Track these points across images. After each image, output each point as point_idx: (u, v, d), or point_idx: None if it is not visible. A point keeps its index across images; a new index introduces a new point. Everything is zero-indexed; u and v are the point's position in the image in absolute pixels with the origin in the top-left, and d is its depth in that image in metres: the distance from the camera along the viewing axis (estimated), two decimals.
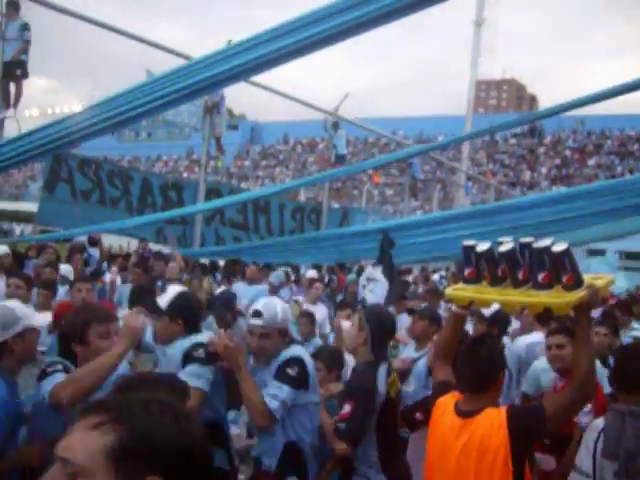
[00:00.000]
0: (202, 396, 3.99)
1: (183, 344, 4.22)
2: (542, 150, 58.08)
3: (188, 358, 4.11)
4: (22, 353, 3.52)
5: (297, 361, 4.02)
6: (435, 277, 17.61)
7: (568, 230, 8.97)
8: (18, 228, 29.45)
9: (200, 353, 4.08)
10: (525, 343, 6.66)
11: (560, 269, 3.21)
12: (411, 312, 7.06)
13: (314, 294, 8.89)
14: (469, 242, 3.51)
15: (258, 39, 5.07)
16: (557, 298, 3.25)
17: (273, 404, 3.82)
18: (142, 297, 6.58)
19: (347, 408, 3.93)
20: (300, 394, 4.00)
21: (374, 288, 9.69)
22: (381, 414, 4.02)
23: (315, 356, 5.12)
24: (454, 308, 3.72)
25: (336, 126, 18.31)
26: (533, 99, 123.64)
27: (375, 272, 9.07)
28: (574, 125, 56.59)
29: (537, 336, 6.48)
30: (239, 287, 10.25)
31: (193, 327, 4.37)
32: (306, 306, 8.45)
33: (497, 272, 3.43)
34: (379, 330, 4.15)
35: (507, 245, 3.40)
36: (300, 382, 3.98)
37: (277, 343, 4.08)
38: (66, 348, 3.71)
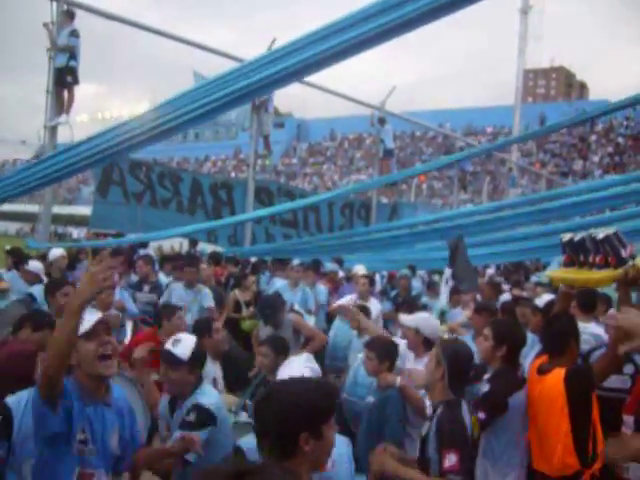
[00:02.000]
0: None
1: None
2: (594, 138, 56.83)
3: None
4: None
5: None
6: (490, 271, 17.36)
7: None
8: (76, 232, 30.15)
9: (191, 417, 3.98)
10: None
11: (607, 253, 4.25)
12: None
13: (362, 290, 8.86)
14: (565, 235, 4.62)
15: (309, 39, 5.03)
16: (603, 275, 4.27)
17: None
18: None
19: (454, 459, 3.60)
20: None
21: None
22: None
23: (368, 346, 5.13)
24: (562, 287, 4.85)
25: (383, 121, 18.23)
26: (583, 86, 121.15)
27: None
28: (626, 111, 55.24)
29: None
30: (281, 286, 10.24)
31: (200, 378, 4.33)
32: (358, 303, 8.39)
33: (579, 258, 4.49)
34: (457, 366, 3.92)
35: (578, 235, 4.50)
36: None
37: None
38: None
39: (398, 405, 4.41)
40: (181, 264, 8.87)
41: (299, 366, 3.74)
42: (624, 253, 4.16)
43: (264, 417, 2.41)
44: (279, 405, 2.39)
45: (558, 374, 4.15)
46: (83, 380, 3.23)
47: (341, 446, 3.49)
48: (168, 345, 4.25)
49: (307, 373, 3.67)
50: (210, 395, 4.25)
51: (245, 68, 5.71)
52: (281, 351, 5.22)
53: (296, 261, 10.43)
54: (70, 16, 10.82)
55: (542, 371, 4.33)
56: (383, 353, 4.98)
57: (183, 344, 4.21)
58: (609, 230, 4.25)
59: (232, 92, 5.58)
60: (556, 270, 5.44)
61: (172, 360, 4.12)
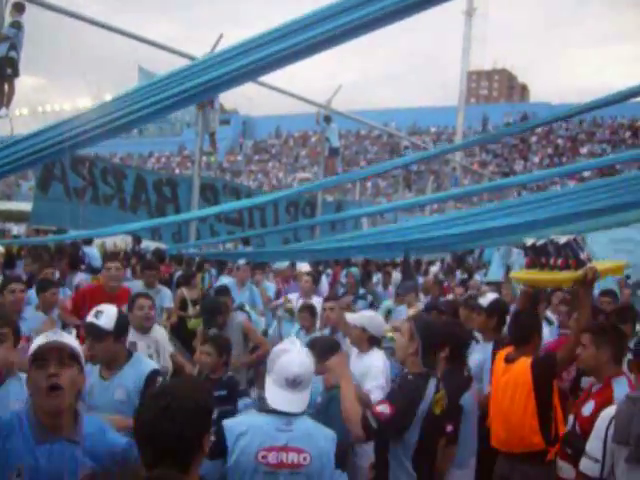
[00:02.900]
0: None
1: (140, 368, 4.18)
2: (534, 139, 58.10)
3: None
4: None
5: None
6: (434, 269, 17.59)
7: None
8: (16, 228, 29.39)
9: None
10: None
11: (568, 256, 4.77)
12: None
13: (305, 287, 8.90)
14: (528, 240, 5.21)
15: (265, 38, 4.99)
16: (566, 276, 4.79)
17: None
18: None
19: (387, 410, 3.64)
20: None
21: None
22: (421, 430, 3.77)
23: (308, 346, 5.08)
24: (523, 287, 5.70)
25: (328, 119, 18.25)
26: (524, 88, 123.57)
27: None
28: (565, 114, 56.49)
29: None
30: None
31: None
32: (302, 300, 8.42)
33: (541, 260, 5.02)
34: (430, 341, 3.93)
35: (540, 240, 5.07)
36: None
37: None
38: None
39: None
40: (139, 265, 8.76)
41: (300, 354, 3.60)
42: (582, 256, 4.72)
43: (167, 429, 2.29)
44: (183, 414, 2.32)
45: (525, 362, 4.65)
46: (37, 412, 2.84)
47: (321, 439, 3.45)
48: (90, 318, 4.19)
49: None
50: (148, 362, 4.33)
51: (197, 67, 5.62)
52: (224, 351, 5.21)
53: (241, 260, 10.40)
54: (19, 9, 10.48)
55: (509, 360, 4.83)
56: (324, 353, 4.94)
57: (106, 314, 4.16)
58: (569, 236, 4.86)
59: (183, 91, 5.49)
60: (519, 272, 6.22)
61: (97, 331, 4.08)
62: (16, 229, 28.24)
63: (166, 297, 8.30)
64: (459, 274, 16.47)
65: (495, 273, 12.36)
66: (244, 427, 3.31)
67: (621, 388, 4.08)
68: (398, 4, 4.43)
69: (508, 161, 56.46)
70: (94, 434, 2.92)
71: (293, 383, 3.43)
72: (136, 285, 8.48)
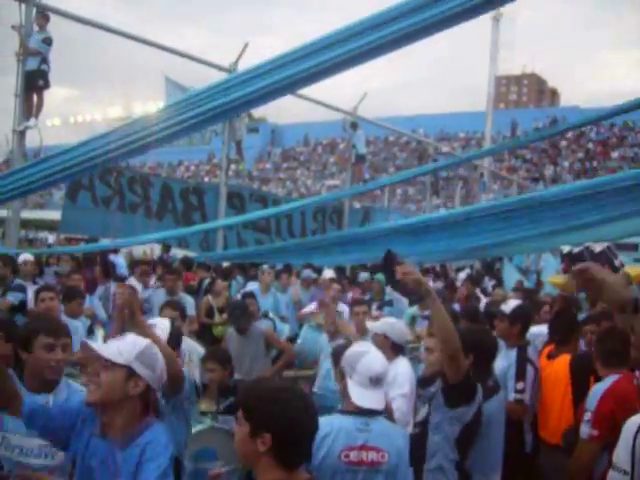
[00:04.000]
0: None
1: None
2: (564, 144, 57.51)
3: None
4: None
5: None
6: (462, 275, 17.44)
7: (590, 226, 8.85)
8: (51, 237, 29.82)
9: None
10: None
11: (603, 263, 5.12)
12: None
13: (333, 295, 8.85)
14: (564, 248, 6.00)
15: (301, 52, 4.99)
16: None
17: None
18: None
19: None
20: None
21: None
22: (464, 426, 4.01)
23: (332, 356, 5.15)
24: (561, 292, 6.17)
25: (355, 126, 18.27)
26: (554, 93, 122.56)
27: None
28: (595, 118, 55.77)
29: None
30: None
31: None
32: None
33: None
34: (485, 354, 4.28)
35: (576, 248, 5.75)
36: None
37: None
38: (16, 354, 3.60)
39: None
40: (148, 270, 8.85)
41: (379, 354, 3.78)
42: (617, 262, 5.18)
43: (312, 430, 2.52)
44: (315, 414, 2.55)
45: (565, 359, 5.20)
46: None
47: (397, 438, 3.58)
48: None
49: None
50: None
51: (231, 82, 5.63)
52: (226, 362, 5.28)
53: (265, 265, 10.42)
54: (46, 18, 10.72)
55: (551, 356, 5.47)
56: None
57: (159, 327, 4.22)
58: (604, 244, 5.49)
59: (217, 106, 5.51)
60: (556, 277, 7.16)
61: None
62: (51, 238, 28.68)
63: (188, 304, 8.33)
64: (488, 281, 16.32)
65: (510, 279, 12.30)
66: (328, 428, 3.41)
67: None
68: (433, 18, 4.40)
69: (538, 166, 55.93)
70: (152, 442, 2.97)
71: (376, 381, 3.58)
72: (159, 293, 8.55)
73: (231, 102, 5.35)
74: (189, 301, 8.48)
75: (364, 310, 6.88)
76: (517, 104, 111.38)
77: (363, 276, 12.10)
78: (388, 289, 9.36)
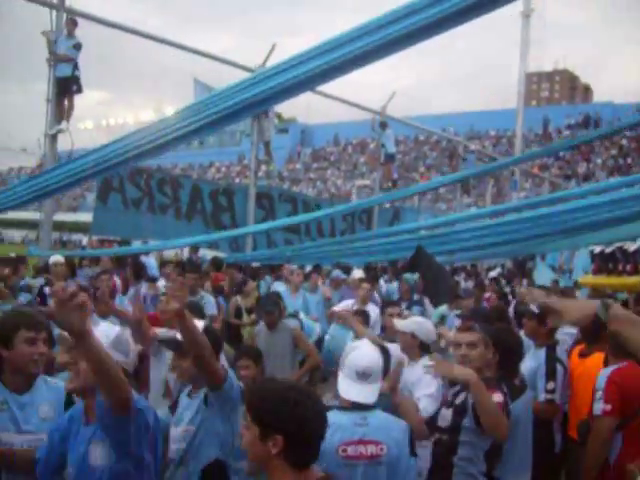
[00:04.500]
0: None
1: None
2: (597, 140, 56.73)
3: None
4: None
5: None
6: (492, 274, 17.33)
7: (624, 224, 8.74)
8: (85, 239, 30.30)
9: None
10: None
11: (637, 262, 5.11)
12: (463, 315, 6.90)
13: (362, 295, 8.84)
14: (596, 248, 5.45)
15: (321, 48, 5.01)
16: (636, 280, 5.19)
17: None
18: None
19: (501, 398, 3.89)
20: None
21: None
22: None
23: None
24: (590, 291, 6.28)
25: (384, 125, 18.25)
26: (587, 89, 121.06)
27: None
28: (630, 113, 55.06)
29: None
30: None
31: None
32: (356, 308, 8.40)
33: (608, 266, 5.49)
34: (510, 353, 4.23)
35: (609, 248, 5.45)
36: None
37: None
38: None
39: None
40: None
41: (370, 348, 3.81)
42: None
43: (324, 431, 2.54)
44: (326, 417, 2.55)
45: (598, 357, 5.00)
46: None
47: (395, 430, 3.59)
48: (174, 331, 4.19)
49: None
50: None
51: (252, 79, 5.69)
52: (259, 359, 5.25)
53: (295, 266, 10.44)
54: (74, 24, 10.91)
55: (583, 355, 5.39)
56: None
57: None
58: (637, 244, 5.52)
59: (239, 102, 5.56)
60: (587, 277, 7.13)
61: (180, 347, 4.01)
62: (85, 240, 29.11)
63: (209, 304, 8.35)
64: (519, 280, 16.20)
65: (542, 277, 12.17)
66: None
67: None
68: (457, 6, 4.37)
69: (570, 163, 55.29)
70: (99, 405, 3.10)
71: (363, 375, 3.60)
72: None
73: (252, 97, 5.39)
74: (210, 300, 8.48)
75: (397, 312, 6.85)
76: (549, 101, 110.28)
77: (334, 273, 12.02)
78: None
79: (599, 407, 4.23)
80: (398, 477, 3.52)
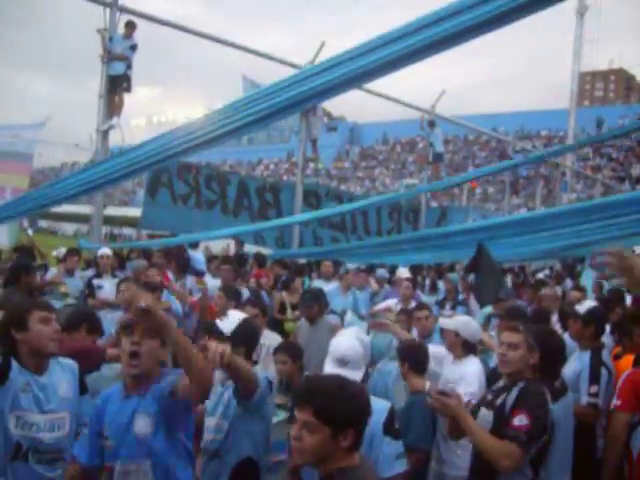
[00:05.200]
0: None
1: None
2: None
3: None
4: None
5: None
6: (539, 277, 17.05)
7: None
8: (135, 233, 30.88)
9: None
10: None
11: None
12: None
13: (405, 293, 8.87)
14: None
15: (370, 45, 5.00)
16: None
17: None
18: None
19: (525, 420, 3.65)
20: None
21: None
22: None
23: (397, 351, 5.27)
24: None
25: (432, 124, 18.15)
26: None
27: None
28: None
29: None
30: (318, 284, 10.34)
31: (250, 356, 4.32)
32: (400, 306, 8.41)
33: None
34: (553, 355, 4.16)
35: None
36: None
37: None
38: (6, 337, 3.63)
39: (423, 410, 4.40)
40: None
41: (351, 337, 3.95)
42: None
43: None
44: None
45: (629, 358, 5.33)
46: (124, 374, 3.58)
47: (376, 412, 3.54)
48: (217, 320, 4.37)
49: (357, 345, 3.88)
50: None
51: (300, 75, 5.70)
52: (297, 357, 5.31)
53: (350, 265, 10.48)
54: (133, 28, 11.14)
55: (617, 357, 5.65)
56: (411, 358, 5.02)
57: (230, 319, 4.28)
58: None
59: (286, 99, 5.59)
60: None
61: (219, 335, 4.13)
62: (135, 234, 29.58)
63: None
64: (569, 282, 15.91)
65: (588, 281, 11.96)
66: None
67: None
68: (509, 4, 4.32)
69: (624, 165, 54.10)
70: (160, 384, 3.41)
71: (341, 362, 3.75)
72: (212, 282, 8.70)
73: (297, 95, 5.40)
74: (244, 293, 8.56)
75: (426, 315, 6.86)
76: (603, 101, 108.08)
77: (379, 272, 11.99)
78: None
79: (613, 403, 4.59)
80: (370, 455, 3.51)
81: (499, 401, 3.93)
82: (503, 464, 3.64)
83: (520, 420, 3.65)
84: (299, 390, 2.67)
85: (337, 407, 2.49)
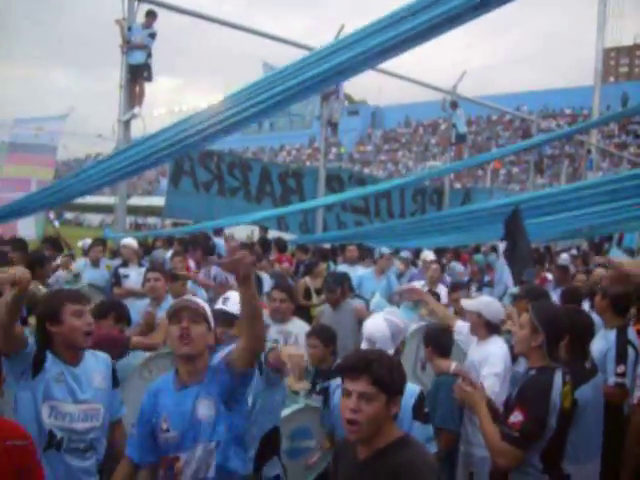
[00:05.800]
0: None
1: None
2: None
3: None
4: None
5: None
6: (564, 256, 16.90)
7: None
8: (159, 221, 31.08)
9: None
10: None
11: None
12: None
13: (432, 276, 8.80)
14: None
15: (380, 24, 4.95)
16: None
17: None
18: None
19: (519, 417, 3.59)
20: None
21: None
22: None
23: (425, 335, 5.29)
24: None
25: (454, 105, 18.00)
26: None
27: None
28: None
29: None
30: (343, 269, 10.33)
31: None
32: (427, 288, 8.36)
33: None
34: (555, 331, 3.83)
35: None
36: None
37: None
38: (41, 329, 3.66)
39: (450, 392, 4.38)
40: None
41: (378, 318, 4.09)
42: None
43: None
44: None
45: None
46: (176, 363, 3.54)
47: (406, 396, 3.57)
48: (219, 305, 4.35)
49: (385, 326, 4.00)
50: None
51: (315, 56, 5.64)
52: (329, 341, 5.32)
53: (385, 249, 10.51)
54: (153, 16, 11.17)
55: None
56: (434, 341, 5.11)
57: (232, 301, 4.25)
58: None
59: (302, 81, 5.54)
60: None
61: (227, 317, 4.20)
62: (160, 223, 29.80)
63: (266, 283, 8.44)
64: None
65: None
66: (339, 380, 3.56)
67: None
68: None
69: None
70: (214, 362, 3.42)
71: (369, 341, 3.98)
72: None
73: (315, 77, 5.35)
74: (266, 280, 8.58)
75: (462, 296, 6.87)
76: (628, 77, 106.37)
77: (403, 254, 11.95)
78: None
79: (636, 395, 4.48)
80: None
81: (514, 392, 3.89)
82: (499, 462, 3.68)
83: (515, 417, 3.62)
84: (351, 363, 2.71)
85: (392, 375, 2.64)
